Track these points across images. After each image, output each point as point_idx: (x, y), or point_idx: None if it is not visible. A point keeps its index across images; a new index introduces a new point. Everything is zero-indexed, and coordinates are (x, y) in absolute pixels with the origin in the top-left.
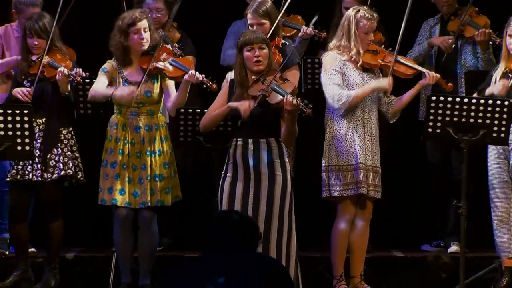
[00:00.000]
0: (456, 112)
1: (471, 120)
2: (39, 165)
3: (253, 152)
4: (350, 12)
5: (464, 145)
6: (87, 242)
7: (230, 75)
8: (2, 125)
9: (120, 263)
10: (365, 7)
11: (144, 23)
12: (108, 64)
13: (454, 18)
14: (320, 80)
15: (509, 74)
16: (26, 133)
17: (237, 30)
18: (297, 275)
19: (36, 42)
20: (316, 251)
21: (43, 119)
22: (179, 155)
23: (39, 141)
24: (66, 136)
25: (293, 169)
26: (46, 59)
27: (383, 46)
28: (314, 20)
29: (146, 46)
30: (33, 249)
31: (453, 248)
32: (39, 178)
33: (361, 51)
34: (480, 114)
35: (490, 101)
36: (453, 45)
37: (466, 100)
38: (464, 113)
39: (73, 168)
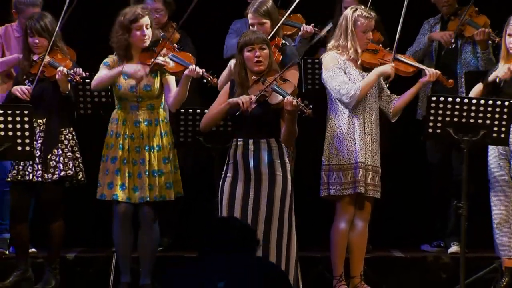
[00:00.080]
0: (456, 113)
1: (471, 120)
2: (39, 166)
3: (254, 152)
4: (348, 12)
5: (464, 146)
6: (87, 242)
7: (232, 62)
8: (2, 125)
9: (119, 262)
10: (363, 6)
11: (146, 20)
12: (110, 59)
13: (454, 18)
14: (321, 79)
15: None
16: (27, 133)
17: (239, 28)
18: (297, 275)
19: (37, 41)
20: (316, 251)
21: (44, 120)
22: (179, 155)
23: (39, 141)
24: (67, 136)
25: (294, 169)
26: (46, 58)
27: (380, 45)
28: (327, 29)
29: (148, 42)
30: (33, 249)
31: (453, 248)
32: (39, 179)
33: (359, 50)
34: (480, 115)
35: (490, 102)
36: (453, 45)
37: (466, 100)
38: (464, 114)
39: (73, 169)
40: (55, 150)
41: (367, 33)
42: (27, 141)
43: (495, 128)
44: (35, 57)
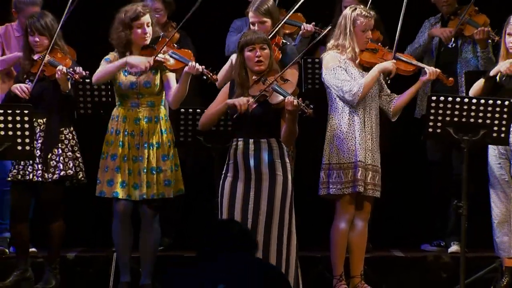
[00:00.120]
0: (456, 112)
1: (472, 120)
2: (39, 165)
3: (254, 152)
4: (347, 11)
5: (465, 145)
6: (87, 242)
7: (234, 57)
8: (3, 125)
9: (119, 262)
10: (362, 6)
11: (147, 18)
12: (111, 55)
13: (454, 18)
14: (322, 79)
15: None
16: (27, 133)
17: (239, 27)
18: (297, 275)
19: (37, 39)
20: (316, 250)
21: (44, 119)
22: (179, 155)
23: (39, 141)
24: (67, 136)
25: (294, 168)
26: (47, 58)
27: (380, 44)
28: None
29: (148, 40)
30: (33, 249)
31: (454, 248)
32: (39, 178)
33: (357, 49)
34: (481, 114)
35: (491, 101)
36: (453, 44)
37: (466, 100)
38: (465, 113)
39: (73, 168)
40: (55, 150)
41: (367, 32)
42: (27, 140)
43: (495, 128)
44: (35, 57)
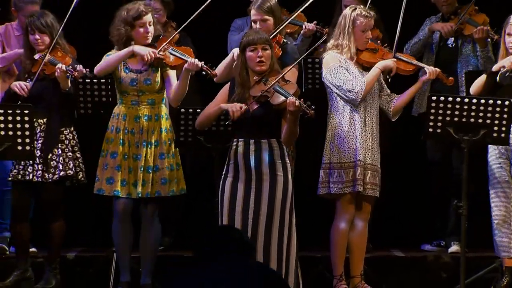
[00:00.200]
0: (456, 112)
1: (472, 120)
2: (39, 166)
3: (255, 152)
4: (347, 11)
5: (465, 145)
6: (87, 242)
7: (236, 51)
8: (3, 125)
9: (119, 261)
10: (362, 6)
11: (149, 17)
12: (113, 52)
13: (454, 17)
14: (322, 79)
15: None
16: (27, 133)
17: (240, 26)
18: (298, 275)
19: (38, 37)
20: (316, 250)
21: (44, 119)
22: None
23: (40, 141)
24: (67, 136)
25: (293, 168)
26: (47, 57)
27: (379, 42)
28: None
29: (150, 39)
30: (33, 249)
31: (454, 248)
32: (40, 179)
33: (353, 49)
34: (481, 114)
35: (491, 101)
36: (453, 44)
37: (466, 100)
38: (465, 113)
39: (73, 169)
40: (56, 150)
41: (366, 32)
42: (27, 140)
43: (496, 128)
44: (36, 56)
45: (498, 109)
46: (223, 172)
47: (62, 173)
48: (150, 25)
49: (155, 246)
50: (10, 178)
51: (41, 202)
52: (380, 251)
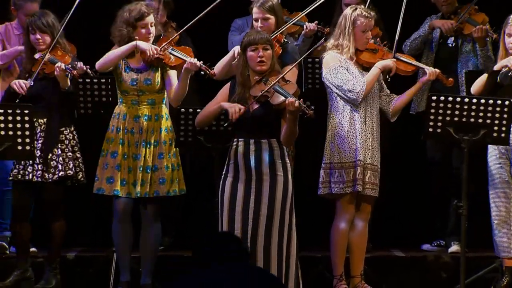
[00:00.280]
0: (456, 112)
1: (472, 120)
2: (39, 166)
3: (255, 152)
4: (348, 11)
5: (465, 145)
6: (87, 242)
7: (237, 49)
8: (3, 125)
9: (119, 261)
10: (362, 6)
11: (151, 18)
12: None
13: (454, 17)
14: (322, 79)
15: None
16: (27, 132)
17: (240, 26)
18: (298, 275)
19: (39, 37)
20: (316, 250)
21: (44, 119)
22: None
23: (40, 141)
24: (68, 136)
25: (293, 168)
26: (47, 56)
27: (378, 39)
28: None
29: (151, 40)
30: (34, 249)
31: (454, 247)
32: (39, 179)
33: (352, 49)
34: (481, 114)
35: (491, 101)
36: (453, 44)
37: (466, 99)
38: (465, 113)
39: (73, 169)
40: (56, 150)
41: (367, 32)
42: (27, 140)
43: (496, 128)
44: (37, 55)
45: (498, 109)
46: (223, 172)
47: (61, 173)
48: (151, 26)
49: (155, 246)
50: (10, 178)
51: (41, 202)
52: (380, 251)
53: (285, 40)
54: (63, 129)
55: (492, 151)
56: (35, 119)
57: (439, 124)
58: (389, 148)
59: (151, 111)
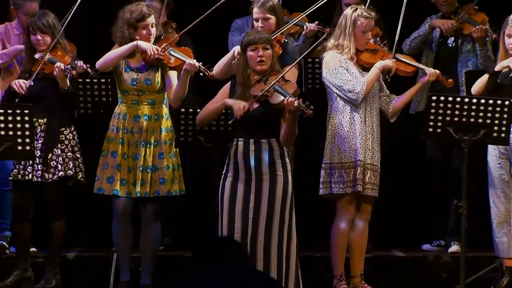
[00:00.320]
0: (456, 112)
1: (472, 120)
2: (39, 166)
3: (255, 152)
4: (348, 11)
5: (465, 145)
6: (87, 242)
7: (237, 49)
8: (3, 125)
9: (119, 261)
10: (363, 6)
11: (152, 19)
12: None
13: (454, 17)
14: (322, 79)
15: None
16: (27, 133)
17: (240, 26)
18: (298, 275)
19: (40, 37)
20: (316, 250)
21: (45, 119)
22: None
23: (40, 141)
24: (68, 136)
25: (293, 168)
26: (47, 56)
27: (378, 39)
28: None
29: (152, 41)
30: (34, 249)
31: (454, 247)
32: (39, 179)
33: (353, 50)
34: (481, 114)
35: (491, 101)
36: (453, 44)
37: (466, 99)
38: (465, 113)
39: (73, 169)
40: (55, 150)
41: (367, 33)
42: (27, 140)
43: (496, 128)
44: (37, 55)
45: (498, 109)
46: (223, 172)
47: (61, 173)
48: (152, 27)
49: (155, 246)
50: (10, 178)
51: (41, 202)
52: (380, 251)
53: (286, 41)
54: (63, 129)
55: (492, 151)
56: (35, 119)
57: (439, 124)
58: (389, 148)
59: (151, 111)
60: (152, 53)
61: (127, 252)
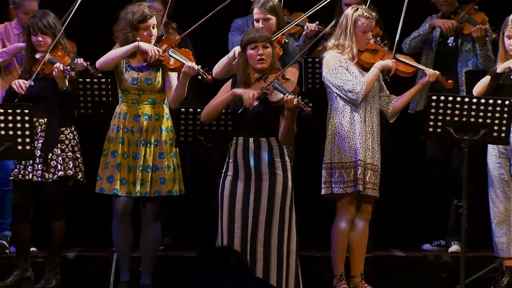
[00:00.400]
0: (456, 112)
1: (472, 119)
2: (39, 166)
3: (254, 151)
4: (349, 11)
5: (465, 145)
6: (87, 242)
7: (237, 49)
8: (3, 125)
9: (119, 261)
10: (364, 6)
11: (153, 20)
12: None
13: (454, 17)
14: (322, 78)
15: None
16: (27, 132)
17: (240, 26)
18: (298, 274)
19: (41, 39)
20: (316, 250)
21: (45, 119)
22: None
23: (40, 141)
24: (68, 136)
25: (293, 168)
26: (47, 56)
27: (379, 39)
28: (331, 25)
29: (153, 42)
30: (34, 249)
31: (454, 247)
32: (39, 179)
33: (355, 50)
34: (481, 114)
35: (491, 101)
36: (453, 44)
37: (466, 99)
38: (465, 113)
39: (73, 169)
40: (56, 150)
41: (367, 33)
42: (27, 140)
43: (496, 127)
44: (37, 56)
45: (498, 108)
46: (223, 170)
47: (61, 173)
48: (153, 28)
49: (155, 246)
50: (11, 178)
51: (41, 202)
52: (380, 251)
53: (286, 41)
54: (63, 129)
55: (492, 150)
56: (35, 119)
57: (439, 124)
58: (389, 148)
59: (151, 111)
60: (153, 55)
61: (127, 252)
